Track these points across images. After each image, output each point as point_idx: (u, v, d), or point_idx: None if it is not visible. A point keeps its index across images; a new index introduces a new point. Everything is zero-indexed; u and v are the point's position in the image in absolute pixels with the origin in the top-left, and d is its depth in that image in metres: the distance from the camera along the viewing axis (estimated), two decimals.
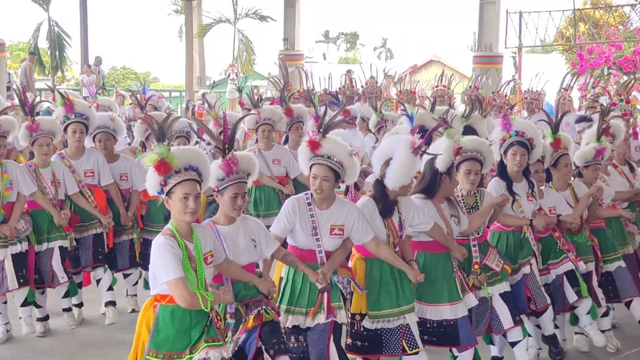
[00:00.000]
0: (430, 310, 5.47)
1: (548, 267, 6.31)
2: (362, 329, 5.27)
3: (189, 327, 4.26)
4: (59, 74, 28.36)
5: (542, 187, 6.41)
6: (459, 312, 5.46)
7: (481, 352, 5.81)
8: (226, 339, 4.53)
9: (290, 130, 8.80)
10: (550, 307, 6.18)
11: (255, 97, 9.43)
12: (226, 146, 4.65)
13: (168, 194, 4.23)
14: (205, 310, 4.20)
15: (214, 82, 30.23)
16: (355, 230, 5.10)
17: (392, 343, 5.26)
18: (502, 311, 5.76)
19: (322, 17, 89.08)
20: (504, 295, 5.80)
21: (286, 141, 9.15)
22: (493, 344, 6.19)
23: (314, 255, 5.06)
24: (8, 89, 20.27)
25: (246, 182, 4.73)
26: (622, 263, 6.77)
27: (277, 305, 5.05)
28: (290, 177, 8.35)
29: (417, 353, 5.25)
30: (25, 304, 6.80)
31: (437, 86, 13.88)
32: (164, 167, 4.19)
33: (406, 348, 5.23)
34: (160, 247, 4.18)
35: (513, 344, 5.93)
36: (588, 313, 6.44)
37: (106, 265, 7.28)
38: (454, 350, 5.60)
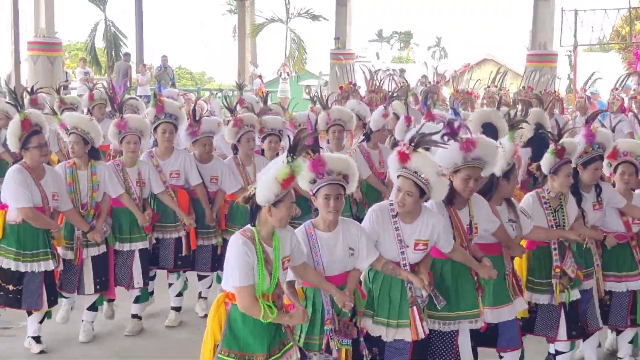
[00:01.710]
0: None
1: (620, 277, 6.09)
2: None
3: (262, 328, 4.29)
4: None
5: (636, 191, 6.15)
6: (502, 317, 5.34)
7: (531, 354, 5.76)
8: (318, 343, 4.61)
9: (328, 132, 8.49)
10: (595, 335, 6.05)
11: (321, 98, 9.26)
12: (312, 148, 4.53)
13: (275, 203, 4.23)
14: (263, 322, 4.23)
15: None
16: (440, 242, 4.97)
17: (442, 349, 5.14)
18: (563, 322, 5.66)
19: (376, 16, 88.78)
20: (570, 305, 5.68)
21: (368, 139, 8.67)
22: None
23: (400, 267, 4.89)
24: (65, 87, 20.66)
25: (341, 185, 4.58)
26: None
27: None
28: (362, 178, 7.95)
29: None
30: (92, 308, 6.84)
31: (489, 86, 13.80)
32: (291, 181, 4.22)
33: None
34: (236, 249, 4.22)
35: (557, 353, 5.85)
36: (631, 342, 6.31)
37: (181, 272, 7.35)
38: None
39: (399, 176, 4.78)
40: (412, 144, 4.75)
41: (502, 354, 5.53)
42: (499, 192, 5.38)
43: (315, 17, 33.40)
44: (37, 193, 6.07)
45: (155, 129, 7.14)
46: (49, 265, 6.21)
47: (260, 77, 25.78)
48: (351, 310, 4.71)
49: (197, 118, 7.33)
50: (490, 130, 6.21)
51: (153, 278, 7.47)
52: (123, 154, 6.98)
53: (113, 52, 28.79)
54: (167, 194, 7.08)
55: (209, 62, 59.41)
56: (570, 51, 24.13)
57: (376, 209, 4.91)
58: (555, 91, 13.64)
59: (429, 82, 17.95)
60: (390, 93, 11.84)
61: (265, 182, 4.21)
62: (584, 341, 6.06)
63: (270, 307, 4.24)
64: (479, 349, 5.49)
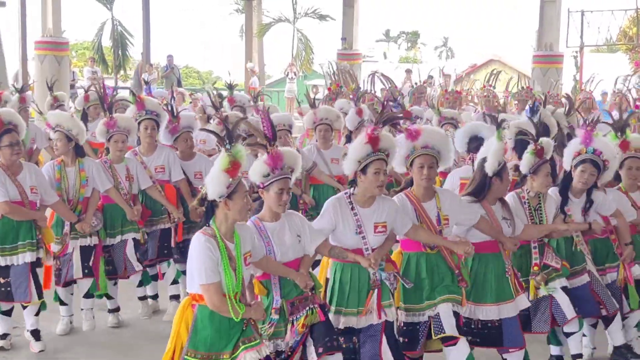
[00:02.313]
0: (478, 309, 5.46)
1: (605, 269, 6.19)
2: (402, 324, 5.29)
3: (228, 327, 4.33)
4: (122, 72, 28.92)
5: (612, 189, 6.24)
6: (505, 313, 5.44)
7: (535, 356, 5.80)
8: (266, 333, 4.62)
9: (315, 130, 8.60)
10: (618, 315, 6.11)
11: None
12: (270, 141, 4.68)
13: (229, 195, 4.28)
14: (235, 319, 4.27)
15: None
16: (396, 222, 5.14)
17: (412, 340, 5.28)
18: (564, 302, 5.71)
19: (383, 16, 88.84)
20: (564, 289, 5.75)
21: (347, 140, 8.94)
22: (554, 344, 6.13)
23: (362, 253, 5.05)
24: (72, 87, 20.75)
25: (290, 178, 4.74)
26: None
27: (326, 303, 5.05)
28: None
29: (454, 343, 5.15)
30: (87, 295, 6.94)
31: (484, 86, 13.83)
32: (236, 169, 4.27)
33: (432, 334, 5.19)
34: (198, 248, 4.27)
35: (568, 335, 5.90)
36: (637, 326, 6.38)
37: (171, 259, 7.45)
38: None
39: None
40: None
41: (504, 356, 5.59)
42: (492, 191, 5.48)
43: (322, 17, 33.41)
44: (14, 188, 6.21)
45: (137, 126, 7.30)
46: (32, 256, 6.31)
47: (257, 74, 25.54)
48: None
49: (175, 114, 7.48)
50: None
51: (156, 278, 7.57)
52: (110, 152, 7.13)
53: (120, 51, 28.88)
54: (155, 189, 7.25)
55: (216, 61, 59.36)
56: (576, 52, 24.11)
57: (333, 200, 5.12)
58: (558, 94, 13.62)
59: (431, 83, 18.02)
60: (363, 91, 11.87)
61: (212, 177, 4.29)
62: (606, 328, 6.15)
63: (237, 303, 4.28)
64: (480, 350, 5.56)
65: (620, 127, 6.41)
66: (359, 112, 8.79)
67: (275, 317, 4.71)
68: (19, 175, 6.28)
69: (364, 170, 4.96)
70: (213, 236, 4.29)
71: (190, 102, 19.27)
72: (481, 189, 5.48)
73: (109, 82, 28.56)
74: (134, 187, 7.14)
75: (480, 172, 5.48)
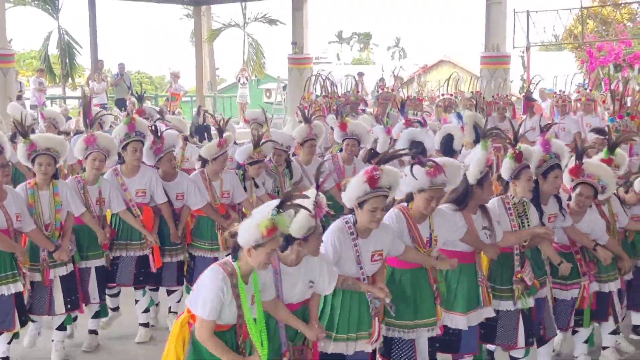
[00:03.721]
0: (447, 317, 5.50)
1: (568, 285, 6.20)
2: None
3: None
4: (70, 81, 28.52)
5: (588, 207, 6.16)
6: (471, 322, 5.49)
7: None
8: None
9: (304, 145, 8.45)
10: (552, 340, 6.19)
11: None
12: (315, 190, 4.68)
13: (256, 247, 4.19)
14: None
15: None
16: (391, 247, 5.11)
17: (402, 357, 5.27)
18: (522, 328, 5.74)
19: (335, 18, 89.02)
20: (526, 312, 5.77)
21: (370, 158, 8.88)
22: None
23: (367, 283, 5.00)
24: (19, 97, 20.40)
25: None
26: (629, 276, 6.65)
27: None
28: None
29: None
30: (61, 327, 6.79)
31: (443, 94, 13.92)
32: (274, 232, 4.18)
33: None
34: (213, 282, 4.22)
35: (512, 359, 5.96)
36: (586, 342, 6.48)
37: (146, 288, 7.34)
38: None
39: (372, 198, 4.86)
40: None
41: None
42: (473, 199, 5.48)
43: (272, 22, 33.33)
44: (1, 215, 5.94)
45: (124, 147, 7.09)
46: (18, 287, 6.13)
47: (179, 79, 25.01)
48: (303, 336, 4.77)
49: (158, 134, 7.31)
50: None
51: (118, 294, 7.46)
52: (86, 170, 6.91)
53: (67, 60, 28.48)
54: (128, 213, 7.05)
55: (160, 68, 59.06)
56: (523, 52, 24.42)
57: (336, 231, 4.95)
58: (507, 95, 13.77)
59: (385, 86, 18.08)
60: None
61: (249, 226, 4.20)
62: (538, 347, 6.16)
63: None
64: None
65: (613, 145, 6.38)
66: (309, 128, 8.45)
67: (286, 359, 4.65)
68: (4, 201, 5.99)
69: (360, 205, 4.90)
70: (231, 274, 4.24)
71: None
72: (464, 197, 5.48)
73: (56, 92, 28.22)
74: (104, 210, 6.94)
75: (463, 181, 5.46)
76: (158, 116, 9.52)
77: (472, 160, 5.48)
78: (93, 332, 7.19)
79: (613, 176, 6.12)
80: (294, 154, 8.51)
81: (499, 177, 5.89)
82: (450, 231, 5.33)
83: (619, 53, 25.12)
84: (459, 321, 5.44)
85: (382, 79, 19.57)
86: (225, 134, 7.49)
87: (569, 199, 6.19)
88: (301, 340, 4.77)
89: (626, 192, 6.67)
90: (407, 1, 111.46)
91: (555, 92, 12.83)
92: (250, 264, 4.26)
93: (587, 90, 11.15)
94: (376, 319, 4.99)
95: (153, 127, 7.36)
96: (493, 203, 5.74)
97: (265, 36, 36.06)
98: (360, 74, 23.65)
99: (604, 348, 6.68)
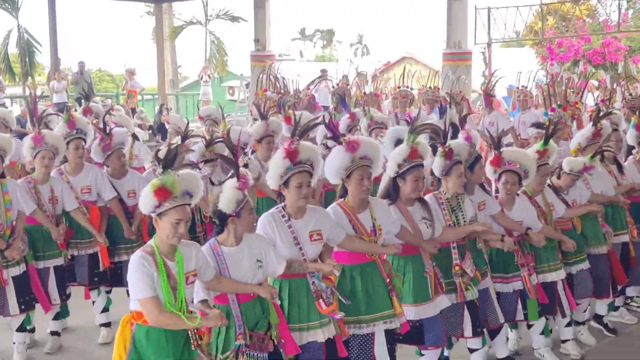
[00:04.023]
0: None
1: (509, 278, 6.25)
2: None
3: (166, 347, 4.25)
4: (30, 80, 28.11)
5: (516, 194, 6.28)
6: (423, 313, 5.49)
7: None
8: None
9: (262, 142, 8.45)
10: (503, 329, 6.24)
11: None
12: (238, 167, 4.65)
13: (159, 214, 4.23)
14: (184, 330, 4.22)
15: None
16: (331, 232, 5.13)
17: (360, 352, 5.26)
18: (467, 319, 5.80)
19: (298, 15, 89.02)
20: (471, 303, 5.82)
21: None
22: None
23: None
24: None
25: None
26: (585, 265, 6.72)
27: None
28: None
29: None
30: (21, 329, 6.71)
31: (399, 87, 13.93)
32: (164, 193, 4.19)
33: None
34: (134, 264, 4.21)
35: (471, 351, 6.02)
36: (542, 333, 6.56)
37: (100, 288, 7.28)
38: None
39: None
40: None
41: (423, 352, 5.69)
42: (401, 193, 5.51)
43: (234, 19, 33.25)
44: None
45: (66, 145, 7.02)
46: None
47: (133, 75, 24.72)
48: (265, 324, 4.73)
49: (107, 131, 7.24)
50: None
51: (69, 296, 7.35)
52: (36, 169, 6.83)
53: (27, 59, 28.09)
54: (79, 212, 6.99)
55: (121, 66, 58.57)
56: (484, 48, 24.62)
57: (267, 216, 5.03)
58: (460, 91, 13.85)
59: (347, 83, 18.10)
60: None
61: (143, 193, 4.26)
62: (492, 339, 6.24)
63: (188, 317, 4.21)
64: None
65: (548, 137, 6.44)
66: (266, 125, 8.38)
67: (241, 341, 4.60)
68: None
69: (286, 184, 4.95)
70: (151, 253, 4.22)
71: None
72: (387, 191, 5.57)
73: (17, 91, 27.82)
74: (58, 209, 6.88)
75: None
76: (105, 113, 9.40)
77: (390, 154, 5.54)
78: (55, 333, 7.12)
79: (532, 159, 6.20)
80: (253, 151, 8.48)
81: (432, 173, 5.96)
82: (389, 222, 5.36)
83: (579, 49, 25.40)
84: (407, 312, 5.42)
85: (344, 76, 19.58)
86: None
87: (496, 191, 6.32)
88: (263, 329, 4.72)
89: (558, 177, 6.74)
90: None
91: (518, 87, 12.95)
92: (163, 240, 4.26)
93: (547, 86, 11.29)
94: (320, 301, 4.97)
95: (102, 124, 7.32)
96: (429, 198, 5.81)
97: (227, 33, 36.07)
98: (324, 71, 23.66)
99: (564, 341, 6.75)
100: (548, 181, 6.69)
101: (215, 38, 32.90)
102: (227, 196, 4.57)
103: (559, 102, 9.86)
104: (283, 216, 5.00)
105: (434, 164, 5.83)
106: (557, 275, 6.41)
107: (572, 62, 25.03)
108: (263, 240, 4.86)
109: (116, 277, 7.25)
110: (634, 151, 7.84)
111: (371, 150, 5.22)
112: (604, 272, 6.96)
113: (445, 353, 6.25)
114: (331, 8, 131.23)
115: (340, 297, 5.07)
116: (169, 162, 4.26)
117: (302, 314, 5.00)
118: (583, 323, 7.07)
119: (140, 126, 20.30)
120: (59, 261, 6.86)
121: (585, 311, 7.01)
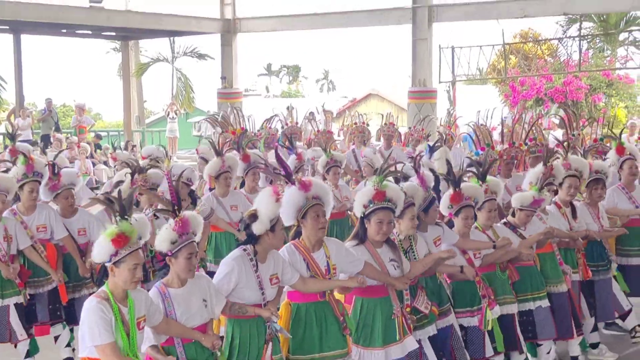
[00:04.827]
0: (367, 354, 5.52)
1: (473, 312, 6.28)
2: None
3: None
4: None
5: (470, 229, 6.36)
6: (393, 355, 5.51)
7: None
8: None
9: (247, 175, 8.77)
10: None
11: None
12: (176, 207, 4.67)
13: (116, 263, 4.25)
14: None
15: None
16: (285, 274, 5.18)
17: None
18: (431, 356, 5.84)
19: (264, 51, 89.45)
20: (432, 339, 5.87)
21: (242, 186, 9.12)
22: None
23: (260, 307, 5.05)
24: None
25: (196, 242, 4.73)
26: (544, 302, 6.72)
27: None
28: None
29: None
30: None
31: (355, 123, 14.19)
32: (123, 240, 4.23)
33: None
34: (91, 309, 4.20)
35: None
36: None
37: (64, 322, 7.24)
38: None
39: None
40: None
41: None
42: (368, 234, 5.55)
43: (201, 56, 33.31)
44: None
45: (21, 187, 7.07)
46: None
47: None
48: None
49: (55, 171, 7.28)
50: None
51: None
52: None
53: None
54: (33, 250, 7.01)
55: (96, 100, 58.34)
56: (449, 86, 24.99)
57: (236, 259, 5.04)
58: (422, 129, 14.02)
59: (313, 119, 18.25)
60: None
61: (99, 241, 4.28)
62: None
63: None
64: None
65: (483, 173, 6.57)
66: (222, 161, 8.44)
67: None
68: None
69: (272, 229, 5.03)
70: (106, 299, 4.23)
71: (67, 148, 18.90)
72: (358, 231, 5.61)
73: None
74: (12, 248, 6.87)
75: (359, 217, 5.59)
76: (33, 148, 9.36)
77: (357, 194, 5.62)
78: None
79: (482, 190, 6.39)
80: (210, 189, 8.56)
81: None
82: (346, 261, 5.40)
83: (541, 87, 25.89)
84: (377, 356, 5.46)
85: (311, 113, 19.74)
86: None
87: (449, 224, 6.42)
88: None
89: (513, 215, 6.82)
90: (335, 35, 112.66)
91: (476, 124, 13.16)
92: (119, 285, 4.28)
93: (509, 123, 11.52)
94: (269, 344, 5.03)
95: (52, 165, 7.33)
96: None
97: (194, 70, 36.05)
98: (290, 108, 23.78)
99: None
100: (505, 220, 6.79)
101: (182, 75, 32.93)
102: (162, 236, 4.62)
103: (487, 142, 10.12)
104: (251, 259, 5.03)
105: None
106: (512, 309, 6.47)
107: (535, 100, 25.51)
108: (209, 281, 4.91)
109: (71, 314, 7.22)
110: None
111: (322, 191, 5.32)
112: (565, 311, 6.97)
113: None
114: (297, 44, 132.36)
115: (283, 333, 5.11)
116: (123, 208, 4.31)
117: (252, 353, 5.04)
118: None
119: (105, 163, 20.19)
120: (18, 299, 6.86)
121: (549, 352, 7.01)
